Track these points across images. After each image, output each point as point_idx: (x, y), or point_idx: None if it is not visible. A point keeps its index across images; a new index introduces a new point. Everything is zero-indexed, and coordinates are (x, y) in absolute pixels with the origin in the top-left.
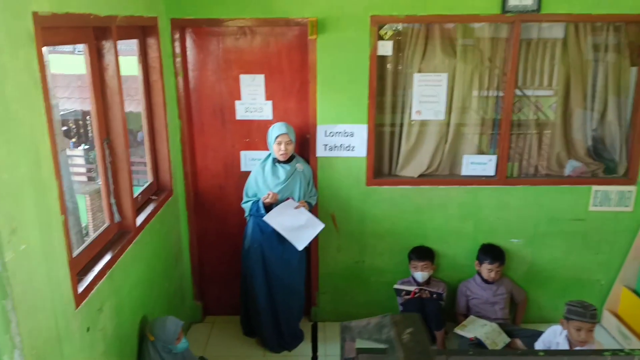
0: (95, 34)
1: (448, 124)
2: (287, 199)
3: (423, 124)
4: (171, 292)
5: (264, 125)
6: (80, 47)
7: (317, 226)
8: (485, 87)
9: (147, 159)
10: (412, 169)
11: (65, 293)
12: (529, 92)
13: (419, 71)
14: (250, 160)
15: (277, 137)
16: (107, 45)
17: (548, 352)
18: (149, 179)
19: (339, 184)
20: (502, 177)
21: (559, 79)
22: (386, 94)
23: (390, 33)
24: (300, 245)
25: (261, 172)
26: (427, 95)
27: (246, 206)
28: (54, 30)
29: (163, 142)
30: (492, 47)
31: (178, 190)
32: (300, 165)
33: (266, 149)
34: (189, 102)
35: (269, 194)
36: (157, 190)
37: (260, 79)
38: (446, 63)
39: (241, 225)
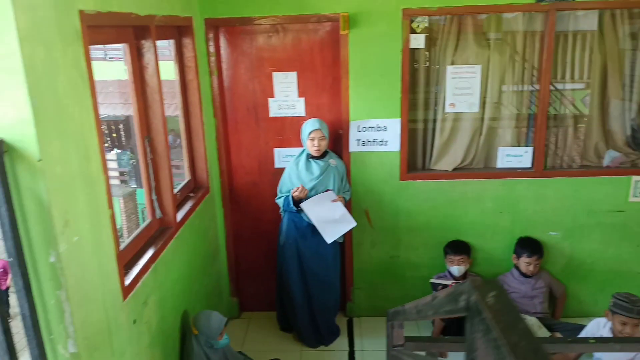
0: (135, 33)
1: (482, 117)
2: (326, 191)
3: (457, 116)
4: (209, 288)
5: (297, 122)
6: (111, 53)
7: (350, 223)
8: (519, 79)
9: (185, 157)
10: (447, 163)
11: (113, 285)
12: (559, 86)
13: (452, 63)
14: (283, 157)
15: (310, 133)
16: (146, 44)
17: (599, 340)
18: (187, 176)
19: (372, 179)
20: (538, 169)
21: (593, 70)
22: (418, 88)
23: (422, 26)
24: (329, 239)
25: (295, 168)
26: (461, 88)
27: (279, 202)
28: (98, 29)
29: (200, 140)
30: (526, 38)
31: (214, 188)
32: (333, 160)
33: (299, 145)
34: (223, 101)
35: (297, 188)
36: (195, 188)
37: (292, 76)
38: (479, 55)
39: (276, 222)
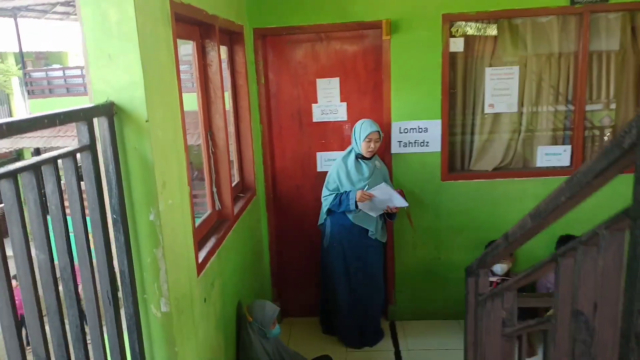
0: (200, 32)
1: (521, 116)
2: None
3: (496, 117)
4: (256, 289)
5: (339, 127)
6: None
7: (401, 204)
8: (556, 79)
9: (234, 159)
10: (486, 163)
11: (191, 259)
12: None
13: (490, 65)
14: (325, 160)
15: (368, 135)
16: (210, 43)
17: None
18: (236, 178)
19: (414, 180)
20: (578, 167)
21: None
22: (458, 89)
23: (461, 30)
24: (377, 214)
25: (344, 167)
26: (500, 89)
27: (329, 199)
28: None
29: (248, 144)
30: (561, 41)
31: (259, 191)
32: (378, 162)
33: (341, 149)
34: (269, 107)
35: (362, 194)
36: (243, 189)
37: (335, 82)
38: (517, 56)
39: (317, 227)
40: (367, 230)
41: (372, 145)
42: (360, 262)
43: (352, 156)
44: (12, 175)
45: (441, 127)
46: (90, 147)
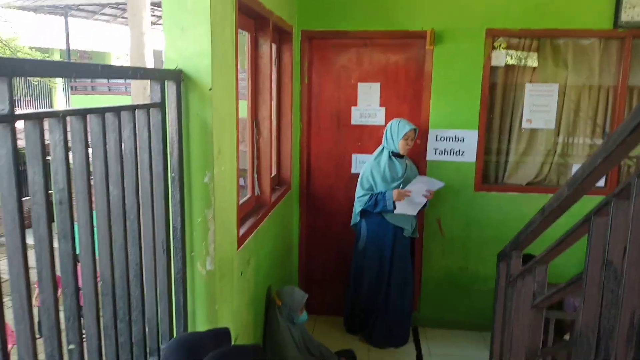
0: (254, 25)
1: (557, 134)
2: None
3: (533, 132)
4: (285, 279)
5: (376, 130)
6: None
7: (439, 184)
8: (595, 100)
9: (272, 153)
10: (521, 177)
11: (233, 231)
12: None
13: (530, 81)
14: (360, 162)
15: (407, 133)
16: (263, 37)
17: None
18: (273, 171)
19: (447, 188)
20: (612, 187)
21: None
22: (496, 102)
23: (504, 44)
24: (415, 211)
25: (377, 166)
26: (538, 105)
27: (363, 199)
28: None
29: (287, 140)
30: (602, 62)
31: (294, 187)
32: (408, 161)
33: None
34: (309, 107)
35: (399, 193)
36: (279, 183)
37: (376, 86)
38: (557, 74)
39: (347, 226)
40: (402, 229)
41: (409, 143)
42: (396, 262)
43: (385, 155)
44: (101, 112)
45: (477, 138)
46: (160, 105)
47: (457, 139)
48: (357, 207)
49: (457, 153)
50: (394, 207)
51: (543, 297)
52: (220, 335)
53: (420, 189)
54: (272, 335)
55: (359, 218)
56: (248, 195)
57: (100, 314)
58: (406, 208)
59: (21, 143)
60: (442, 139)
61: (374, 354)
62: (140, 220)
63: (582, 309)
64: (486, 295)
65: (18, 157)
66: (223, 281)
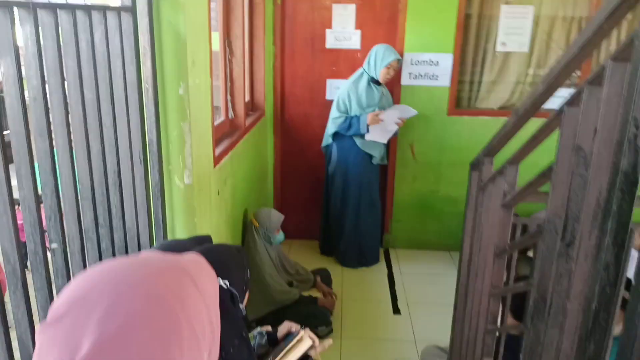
0: None
1: (530, 56)
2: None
3: (507, 56)
4: (260, 205)
5: (351, 55)
6: None
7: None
8: (569, 21)
9: (244, 78)
10: (493, 101)
11: (209, 147)
12: None
13: (506, 3)
14: (335, 88)
15: (390, 62)
16: None
17: None
18: (246, 97)
19: (420, 112)
20: None
21: None
22: (471, 25)
23: None
24: (385, 139)
25: (355, 90)
26: (513, 27)
27: (338, 121)
28: None
29: (260, 64)
30: None
31: (267, 113)
32: (384, 89)
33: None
34: (283, 30)
35: (375, 115)
36: (252, 109)
37: (351, 8)
38: None
39: (322, 153)
40: (371, 157)
41: (390, 72)
42: (364, 186)
43: (365, 80)
44: (72, 9)
45: (452, 62)
46: (132, 10)
47: (431, 63)
48: (331, 128)
49: (432, 77)
50: (367, 132)
51: (514, 193)
52: (203, 240)
53: (393, 116)
54: (250, 255)
55: (330, 140)
56: (222, 118)
57: (82, 218)
58: (378, 135)
59: None
60: (417, 62)
61: (347, 273)
62: (116, 130)
63: (550, 197)
64: (456, 217)
65: None
66: (201, 195)
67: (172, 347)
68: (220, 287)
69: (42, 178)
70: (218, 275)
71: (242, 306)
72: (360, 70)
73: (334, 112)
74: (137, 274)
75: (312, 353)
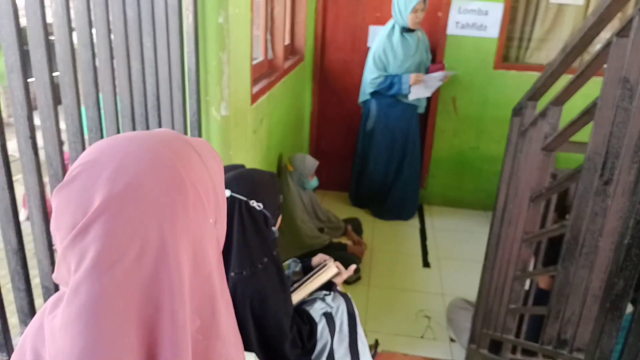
0: None
1: (586, 10)
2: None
3: (560, 8)
4: (295, 151)
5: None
6: None
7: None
8: None
9: (285, 19)
10: (543, 57)
11: (247, 83)
12: None
13: None
14: (377, 35)
15: (415, 5)
16: None
17: None
18: (286, 40)
19: (465, 65)
20: None
21: None
22: None
23: None
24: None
25: (389, 44)
26: None
27: (377, 81)
28: None
29: (303, 5)
30: None
31: (307, 59)
32: (420, 33)
33: None
34: None
35: (416, 77)
36: (292, 52)
37: None
38: None
39: (359, 105)
40: (416, 107)
41: (419, 15)
42: (409, 138)
43: (397, 32)
44: None
45: (503, 11)
46: None
47: (480, 12)
48: (368, 87)
49: (480, 27)
50: (409, 92)
51: (555, 135)
52: (238, 167)
53: (437, 76)
54: (283, 198)
55: (368, 96)
56: (261, 58)
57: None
58: (421, 92)
59: None
60: (465, 11)
61: (378, 225)
62: (156, 52)
63: (592, 134)
64: (495, 176)
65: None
66: (237, 129)
67: (177, 205)
68: (254, 208)
69: (85, 90)
70: (251, 197)
71: (274, 229)
72: (390, 22)
73: (372, 72)
74: (146, 141)
75: (337, 280)
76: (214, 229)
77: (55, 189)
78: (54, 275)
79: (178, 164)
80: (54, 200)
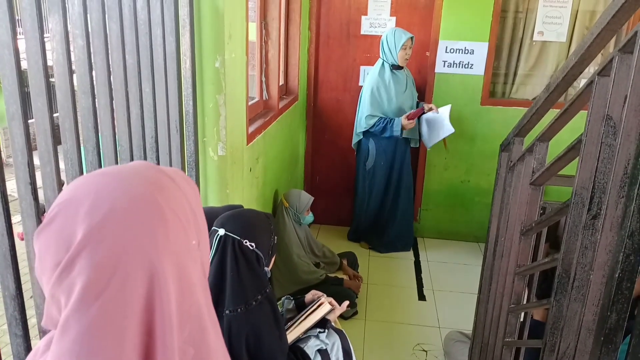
0: None
1: (569, 47)
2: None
3: (544, 45)
4: (290, 187)
5: None
6: None
7: (448, 130)
8: None
9: (279, 61)
10: (529, 92)
11: (242, 126)
12: None
13: None
14: (368, 75)
15: (404, 43)
16: None
17: None
18: (281, 81)
19: (454, 101)
20: None
21: None
22: (508, 13)
23: None
24: (430, 144)
25: (382, 82)
26: (551, 17)
27: (371, 122)
28: None
29: (295, 48)
30: None
31: (301, 98)
32: (405, 70)
33: None
34: (319, 14)
35: (407, 118)
36: (286, 93)
37: None
38: None
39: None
40: (409, 141)
41: (407, 52)
42: (404, 171)
43: (387, 69)
44: None
45: (487, 50)
46: None
47: (466, 51)
48: (362, 126)
49: (466, 66)
50: (400, 135)
51: (542, 170)
52: (235, 208)
53: (443, 114)
54: (279, 234)
55: (361, 136)
56: (256, 99)
57: None
58: (434, 138)
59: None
60: (452, 50)
61: (373, 258)
62: (155, 97)
63: (578, 170)
64: (486, 208)
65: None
66: (234, 169)
67: (157, 229)
68: (247, 247)
69: (84, 134)
70: (245, 237)
71: (267, 269)
72: (379, 62)
73: (368, 110)
74: (119, 174)
75: (331, 316)
76: (197, 250)
77: (35, 233)
78: (43, 322)
79: (154, 190)
80: (36, 244)
